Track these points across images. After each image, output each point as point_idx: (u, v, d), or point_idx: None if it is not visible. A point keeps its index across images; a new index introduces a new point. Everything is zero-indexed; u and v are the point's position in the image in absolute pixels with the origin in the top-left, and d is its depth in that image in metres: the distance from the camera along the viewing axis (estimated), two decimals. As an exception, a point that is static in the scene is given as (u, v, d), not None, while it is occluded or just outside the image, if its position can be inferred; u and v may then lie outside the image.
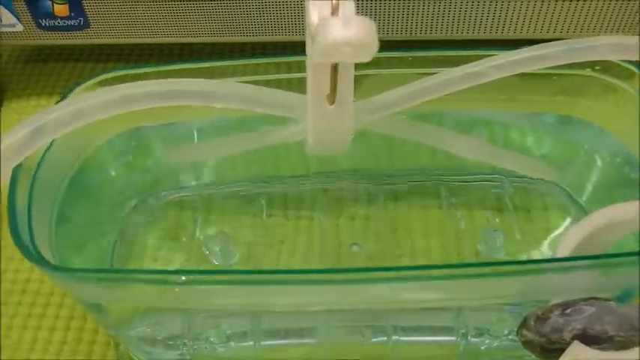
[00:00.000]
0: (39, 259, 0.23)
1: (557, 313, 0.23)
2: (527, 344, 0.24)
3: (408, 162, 0.35)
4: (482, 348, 0.29)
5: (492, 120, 0.33)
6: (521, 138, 0.34)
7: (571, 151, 0.33)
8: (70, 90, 0.29)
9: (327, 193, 0.35)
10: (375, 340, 0.29)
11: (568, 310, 0.23)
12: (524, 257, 0.32)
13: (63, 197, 0.28)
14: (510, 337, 0.28)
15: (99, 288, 0.24)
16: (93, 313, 0.29)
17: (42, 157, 0.27)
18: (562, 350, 0.23)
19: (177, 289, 0.24)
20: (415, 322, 0.30)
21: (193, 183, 0.35)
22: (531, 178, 0.34)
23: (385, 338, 0.29)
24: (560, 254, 0.24)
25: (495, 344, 0.29)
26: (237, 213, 0.35)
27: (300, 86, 0.27)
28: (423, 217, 0.34)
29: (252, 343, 0.30)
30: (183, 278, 0.23)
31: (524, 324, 0.24)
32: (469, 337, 0.29)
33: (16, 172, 0.25)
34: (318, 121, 0.27)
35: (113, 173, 0.33)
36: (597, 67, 0.30)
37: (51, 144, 0.28)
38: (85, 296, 0.25)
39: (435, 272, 0.23)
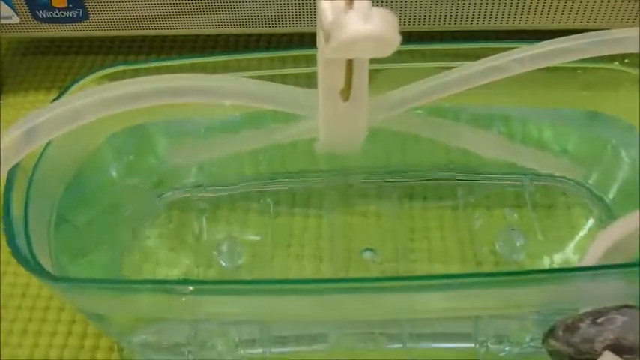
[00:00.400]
0: (37, 269, 0.22)
1: (587, 322, 0.22)
2: (554, 354, 0.23)
3: (422, 159, 0.34)
4: (502, 355, 0.28)
5: (511, 115, 0.32)
6: (542, 134, 0.33)
7: (596, 148, 0.32)
8: (68, 87, 0.27)
9: (337, 191, 0.34)
10: (389, 347, 0.28)
11: (599, 320, 0.22)
12: (546, 259, 0.31)
13: (61, 200, 0.27)
14: (532, 344, 0.27)
15: (101, 298, 0.23)
16: (94, 321, 0.27)
17: (39, 159, 0.26)
18: (591, 360, 0.22)
19: (183, 299, 0.22)
20: (432, 329, 0.28)
21: (198, 183, 0.34)
22: (553, 177, 0.33)
23: (401, 345, 0.28)
24: (587, 261, 0.23)
25: (516, 351, 0.28)
26: (244, 212, 0.33)
27: (308, 81, 0.26)
28: (439, 216, 0.33)
29: (261, 350, 0.28)
30: (191, 288, 0.21)
31: (551, 333, 0.23)
32: (488, 344, 0.27)
33: (12, 175, 0.24)
34: (330, 118, 0.26)
35: (114, 174, 0.32)
36: (626, 60, 0.28)
37: (48, 144, 0.27)
38: (87, 306, 0.24)
39: (454, 281, 0.22)
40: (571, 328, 0.22)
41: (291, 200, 0.34)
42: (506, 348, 0.28)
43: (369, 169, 0.34)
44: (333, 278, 0.30)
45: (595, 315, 0.22)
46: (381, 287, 0.22)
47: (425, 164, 0.34)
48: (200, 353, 0.28)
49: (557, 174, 0.32)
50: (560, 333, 0.23)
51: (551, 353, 0.23)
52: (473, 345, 0.28)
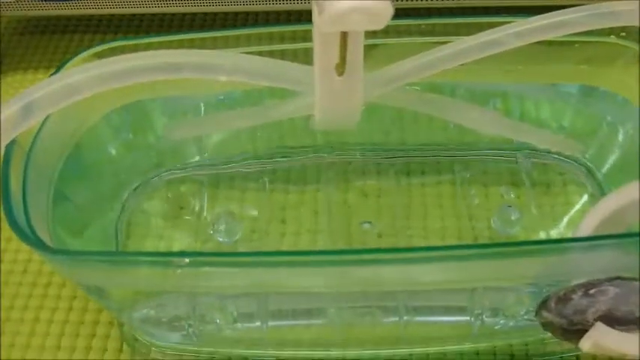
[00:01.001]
0: (36, 243, 0.22)
1: (579, 294, 0.22)
2: (546, 326, 0.23)
3: (420, 136, 0.34)
4: (497, 328, 0.28)
5: (508, 91, 0.32)
6: (538, 110, 0.32)
7: (592, 124, 0.32)
8: (63, 63, 0.27)
9: (335, 167, 0.34)
10: (386, 320, 0.28)
11: (592, 291, 0.22)
12: (541, 233, 0.31)
13: (60, 176, 0.27)
14: (527, 317, 0.27)
15: (100, 271, 0.23)
16: (94, 296, 0.28)
17: (36, 134, 0.26)
18: (584, 331, 0.22)
19: (180, 272, 0.22)
20: (428, 302, 0.29)
21: (197, 160, 0.34)
22: (549, 153, 0.33)
23: (397, 319, 0.28)
24: (581, 233, 0.23)
25: (511, 324, 0.28)
26: (242, 189, 0.33)
27: (306, 58, 0.26)
28: (436, 193, 0.33)
29: (259, 324, 0.29)
30: (187, 260, 0.22)
31: (544, 305, 0.23)
32: (484, 318, 0.28)
33: (9, 150, 0.24)
34: (326, 94, 0.26)
35: (113, 152, 0.32)
36: (622, 34, 0.28)
37: (45, 120, 0.27)
38: (86, 280, 0.24)
39: (450, 253, 0.22)
40: (563, 299, 0.22)
41: (288, 176, 0.34)
42: (501, 321, 0.28)
43: (367, 146, 0.34)
44: (331, 250, 0.31)
45: (587, 287, 0.22)
46: (379, 259, 0.22)
47: (422, 141, 0.34)
48: (199, 327, 0.29)
49: (553, 150, 0.32)
50: (553, 305, 0.23)
51: (544, 325, 0.24)
52: (468, 318, 0.28)
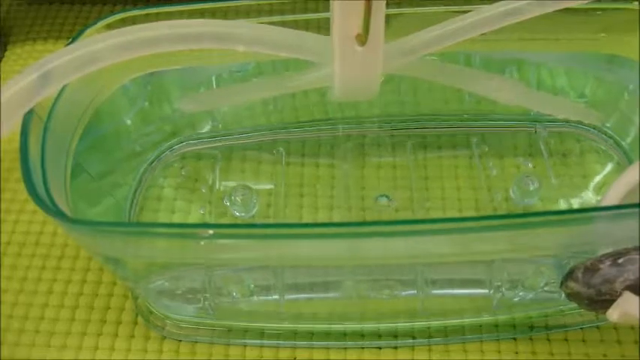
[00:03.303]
0: (56, 212, 0.22)
1: (608, 263, 0.22)
2: (573, 296, 0.23)
3: (436, 108, 0.33)
4: (516, 300, 0.28)
5: (525, 60, 0.32)
6: (556, 79, 0.32)
7: (614, 93, 0.31)
8: (80, 32, 0.27)
9: (350, 141, 0.34)
10: (404, 294, 0.28)
11: (620, 260, 0.22)
12: (561, 203, 0.30)
13: (77, 147, 0.27)
14: (547, 288, 0.27)
15: (118, 242, 0.23)
16: (110, 266, 0.27)
17: (53, 104, 0.25)
18: (611, 301, 0.22)
19: (201, 244, 0.22)
20: (446, 275, 0.28)
21: (211, 132, 0.34)
22: (568, 123, 0.32)
23: (415, 292, 0.28)
24: (608, 202, 0.23)
25: (530, 296, 0.28)
26: (257, 162, 0.33)
27: (318, 30, 0.26)
28: (453, 165, 0.33)
29: (276, 297, 0.29)
30: (211, 232, 0.21)
31: (570, 276, 0.23)
32: (503, 290, 0.28)
33: (28, 119, 0.24)
34: (346, 64, 0.25)
35: (129, 122, 0.31)
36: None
37: (62, 90, 0.26)
38: (102, 250, 0.24)
39: (470, 224, 0.22)
40: (591, 269, 0.22)
41: (302, 149, 0.34)
42: (520, 293, 0.28)
43: (383, 119, 0.34)
44: (348, 222, 0.30)
45: (615, 256, 0.22)
46: (397, 231, 0.22)
47: (438, 113, 0.33)
48: (215, 300, 0.28)
49: (573, 119, 0.32)
50: (580, 275, 0.23)
51: (569, 296, 0.23)
52: (487, 291, 0.28)
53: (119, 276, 0.29)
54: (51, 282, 0.31)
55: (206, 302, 0.28)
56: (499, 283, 0.27)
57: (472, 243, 0.23)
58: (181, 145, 0.33)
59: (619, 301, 0.22)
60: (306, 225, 0.27)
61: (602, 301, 0.22)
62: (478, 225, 0.22)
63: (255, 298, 0.29)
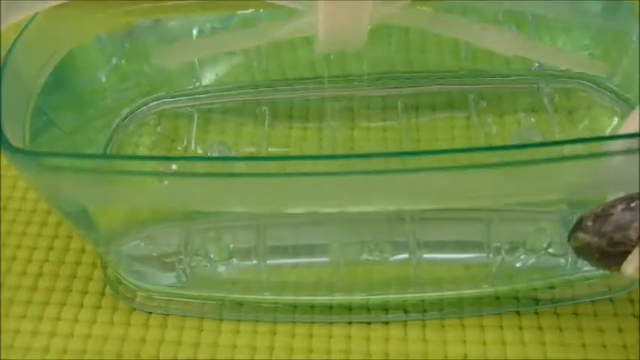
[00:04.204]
0: (6, 144, 0.19)
1: (621, 208, 0.20)
2: (582, 249, 0.21)
3: (429, 64, 0.31)
4: (517, 266, 0.26)
5: (524, 10, 0.30)
6: (557, 31, 0.30)
7: (618, 44, 0.29)
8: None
9: (338, 101, 0.31)
10: (395, 258, 0.26)
11: (633, 204, 0.20)
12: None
13: (49, 100, 0.25)
14: (550, 250, 0.25)
15: (81, 181, 0.21)
16: (80, 225, 0.25)
17: (16, 38, 0.23)
18: (625, 254, 0.20)
19: (167, 183, 0.20)
20: (441, 237, 0.26)
21: (191, 90, 0.32)
22: (571, 76, 0.30)
23: (407, 255, 0.26)
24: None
25: (532, 261, 0.26)
26: (238, 123, 0.31)
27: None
28: (449, 125, 0.31)
29: (256, 261, 0.26)
30: (174, 167, 0.19)
31: (579, 226, 0.21)
32: (502, 253, 0.25)
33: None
34: (331, 10, 0.23)
35: (103, 79, 0.29)
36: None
37: (24, 29, 0.24)
38: (64, 193, 0.22)
39: (476, 156, 0.19)
40: (602, 216, 0.20)
41: (289, 111, 0.32)
42: (522, 257, 0.25)
43: (372, 76, 0.31)
44: (335, 154, 0.29)
45: (628, 200, 0.20)
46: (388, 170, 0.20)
47: (432, 69, 0.31)
48: (192, 264, 0.26)
49: (577, 70, 0.30)
50: (590, 224, 0.20)
51: (578, 249, 0.21)
52: (485, 255, 0.26)
53: (90, 238, 0.27)
54: (14, 248, 0.29)
55: (181, 267, 0.26)
56: (498, 244, 0.25)
57: (473, 180, 0.21)
58: (158, 102, 0.31)
59: (635, 252, 0.20)
60: (284, 157, 0.25)
61: (615, 254, 0.20)
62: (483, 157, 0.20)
63: (234, 261, 0.26)
